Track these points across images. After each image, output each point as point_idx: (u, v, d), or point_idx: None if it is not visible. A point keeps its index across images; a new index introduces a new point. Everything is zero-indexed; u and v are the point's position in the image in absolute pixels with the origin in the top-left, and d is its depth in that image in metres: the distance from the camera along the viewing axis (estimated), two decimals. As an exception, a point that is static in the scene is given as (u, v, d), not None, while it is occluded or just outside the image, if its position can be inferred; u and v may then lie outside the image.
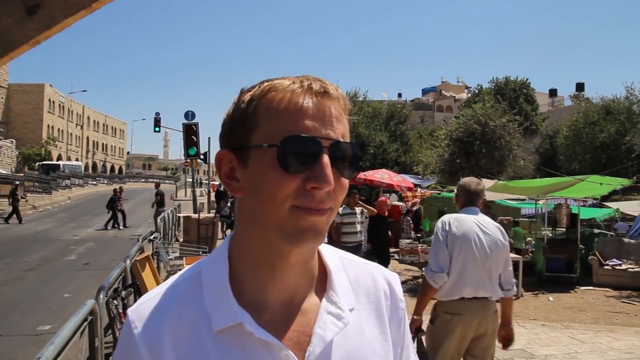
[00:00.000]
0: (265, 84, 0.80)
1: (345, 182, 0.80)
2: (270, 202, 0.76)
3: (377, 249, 9.20)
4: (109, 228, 19.29)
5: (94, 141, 79.23)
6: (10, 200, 21.65)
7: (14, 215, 20.91)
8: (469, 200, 3.54)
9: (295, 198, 0.75)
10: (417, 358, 1.00)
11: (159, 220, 12.53)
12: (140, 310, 0.82)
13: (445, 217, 3.53)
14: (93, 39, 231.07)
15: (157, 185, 20.76)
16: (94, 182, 49.42)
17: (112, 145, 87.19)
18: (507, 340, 3.50)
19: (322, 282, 0.88)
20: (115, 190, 20.81)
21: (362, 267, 0.94)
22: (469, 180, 3.62)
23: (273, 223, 0.77)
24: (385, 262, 8.70)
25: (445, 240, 3.34)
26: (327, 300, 0.85)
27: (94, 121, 79.93)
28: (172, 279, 0.87)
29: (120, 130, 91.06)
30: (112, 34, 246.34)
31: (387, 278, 0.95)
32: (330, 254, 0.91)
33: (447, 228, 3.37)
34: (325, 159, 0.75)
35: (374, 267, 0.97)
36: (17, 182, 23.79)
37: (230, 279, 0.82)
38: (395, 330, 0.92)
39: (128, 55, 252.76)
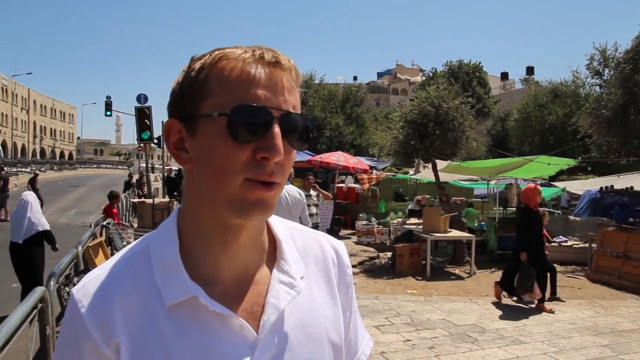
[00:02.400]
0: (217, 52, 0.78)
1: (294, 154, 0.80)
2: (220, 174, 0.75)
3: (535, 256, 7.31)
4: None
5: (41, 126, 76.26)
6: None
7: None
8: None
9: (246, 170, 0.74)
10: (362, 321, 1.02)
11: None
12: (86, 288, 0.79)
13: None
14: (37, 18, 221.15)
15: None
16: (43, 169, 47.66)
17: (61, 130, 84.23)
18: None
19: (272, 252, 0.88)
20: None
21: (309, 236, 0.96)
22: None
23: (222, 195, 0.76)
24: (552, 272, 7.77)
25: None
26: (278, 270, 0.85)
27: (41, 105, 76.84)
28: (118, 255, 0.84)
29: (69, 114, 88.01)
30: (58, 12, 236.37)
31: (334, 245, 0.97)
32: (278, 224, 0.92)
33: None
34: (276, 129, 0.74)
35: (321, 235, 0.98)
36: None
37: (181, 253, 0.80)
38: (344, 295, 0.94)
39: (76, 36, 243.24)
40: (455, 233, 10.42)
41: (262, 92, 0.75)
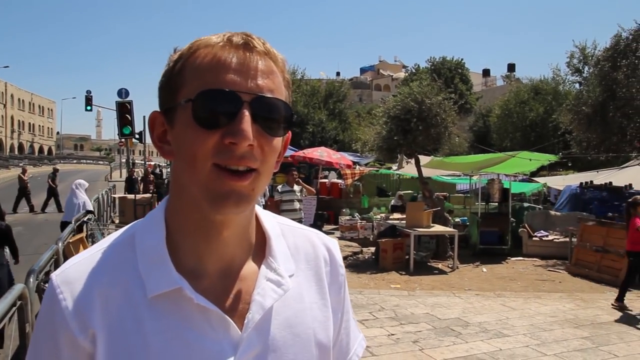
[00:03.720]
0: (194, 41, 0.77)
1: (275, 141, 0.76)
2: (191, 162, 0.73)
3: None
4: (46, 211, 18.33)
5: (19, 121, 74.76)
6: None
7: None
8: None
9: (215, 155, 0.71)
10: (355, 321, 1.00)
11: (93, 202, 12.08)
12: (66, 274, 0.76)
13: None
14: (15, 10, 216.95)
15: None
16: (21, 164, 46.82)
17: (40, 125, 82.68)
18: None
19: (261, 248, 0.85)
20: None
21: (301, 233, 0.93)
22: None
23: (196, 185, 0.73)
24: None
25: None
26: (266, 267, 0.83)
27: (19, 99, 75.31)
28: (101, 243, 0.82)
29: (48, 109, 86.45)
30: (37, 6, 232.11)
31: (327, 244, 0.94)
32: (269, 220, 0.89)
33: None
34: (244, 113, 0.71)
35: (313, 232, 0.95)
36: None
37: (167, 245, 0.78)
38: (335, 295, 0.91)
39: (56, 30, 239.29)
40: (438, 228, 10.49)
41: (231, 76, 0.72)
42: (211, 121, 0.71)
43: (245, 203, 0.74)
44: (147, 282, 0.75)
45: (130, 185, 18.02)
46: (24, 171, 19.31)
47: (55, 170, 19.77)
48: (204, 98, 0.71)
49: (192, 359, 0.74)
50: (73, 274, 0.76)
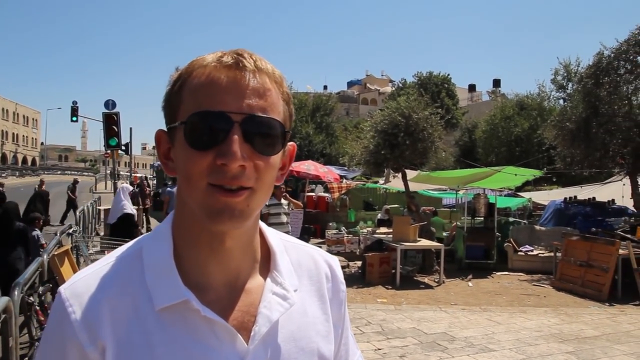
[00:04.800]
0: (193, 61, 0.80)
1: (272, 160, 0.77)
2: (188, 181, 0.76)
3: None
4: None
5: (3, 130, 73.96)
6: None
7: None
8: None
9: (209, 175, 0.73)
10: (354, 338, 1.01)
11: (77, 214, 11.98)
12: (75, 288, 0.77)
13: None
14: None
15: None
16: (4, 175, 46.26)
17: (24, 135, 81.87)
18: None
19: (265, 263, 0.87)
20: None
21: (303, 250, 0.95)
22: None
23: (195, 201, 0.76)
24: None
25: None
26: (272, 281, 0.85)
27: (3, 109, 74.59)
28: (109, 257, 0.83)
29: (32, 119, 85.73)
30: (22, 13, 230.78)
31: (328, 261, 0.96)
32: (273, 236, 0.91)
33: None
34: (234, 134, 0.72)
35: (315, 249, 0.97)
36: None
37: (174, 258, 0.80)
38: (337, 311, 0.93)
39: (41, 40, 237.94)
40: (424, 242, 10.52)
41: (222, 96, 0.73)
42: (202, 143, 0.73)
43: (239, 218, 0.75)
44: (155, 294, 0.76)
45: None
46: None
47: (75, 182, 19.58)
48: (194, 120, 0.74)
49: None
50: (81, 286, 0.77)
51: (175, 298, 0.76)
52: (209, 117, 0.73)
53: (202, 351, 0.75)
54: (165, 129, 0.82)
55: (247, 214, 0.76)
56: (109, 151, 19.18)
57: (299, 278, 0.89)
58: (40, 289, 4.96)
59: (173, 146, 0.79)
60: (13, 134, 77.67)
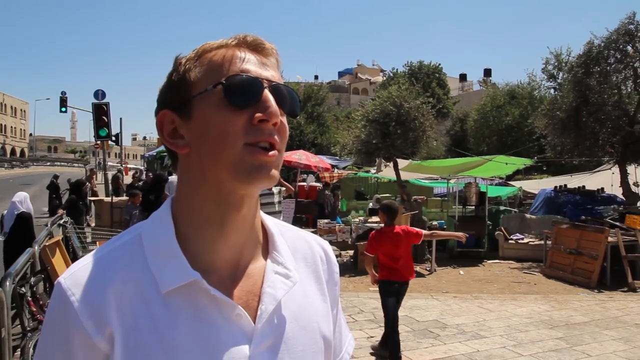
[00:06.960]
0: (199, 47, 0.82)
1: (287, 129, 0.82)
2: (221, 143, 0.76)
3: None
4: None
5: (-10, 122, 73.25)
6: None
7: None
8: None
9: (245, 135, 0.76)
10: (345, 320, 1.03)
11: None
12: (75, 277, 0.76)
13: None
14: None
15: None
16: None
17: (11, 126, 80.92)
18: None
19: (264, 245, 0.89)
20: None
21: (297, 234, 0.97)
22: None
23: (225, 165, 0.76)
24: None
25: None
26: (272, 261, 0.86)
27: (-10, 100, 73.80)
28: (106, 245, 0.82)
29: (21, 110, 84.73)
30: (9, 4, 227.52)
31: (322, 244, 0.99)
32: (269, 219, 0.93)
33: None
34: (269, 94, 0.78)
35: (308, 234, 1.00)
36: None
37: (177, 240, 0.80)
38: (332, 292, 0.96)
39: (29, 30, 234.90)
40: (416, 231, 10.54)
41: (250, 66, 0.79)
42: (242, 100, 0.76)
43: (273, 178, 0.78)
44: (160, 277, 0.76)
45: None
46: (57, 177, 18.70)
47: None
48: (234, 80, 0.77)
49: (208, 352, 0.75)
50: (82, 275, 0.76)
51: (183, 279, 0.76)
52: (245, 80, 0.77)
53: (210, 331, 0.76)
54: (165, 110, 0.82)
55: (275, 175, 0.79)
56: (99, 142, 19.08)
57: (295, 261, 0.90)
58: (32, 279, 4.93)
59: (188, 119, 0.79)
60: (1, 125, 76.81)
